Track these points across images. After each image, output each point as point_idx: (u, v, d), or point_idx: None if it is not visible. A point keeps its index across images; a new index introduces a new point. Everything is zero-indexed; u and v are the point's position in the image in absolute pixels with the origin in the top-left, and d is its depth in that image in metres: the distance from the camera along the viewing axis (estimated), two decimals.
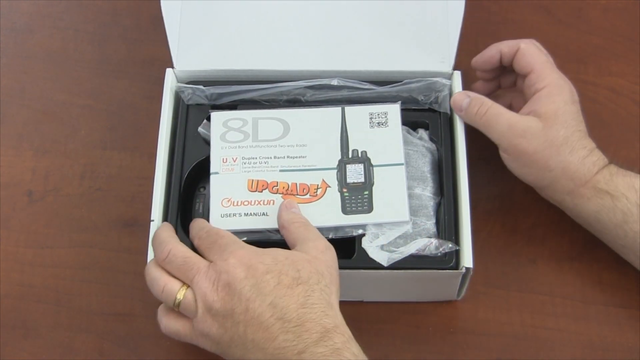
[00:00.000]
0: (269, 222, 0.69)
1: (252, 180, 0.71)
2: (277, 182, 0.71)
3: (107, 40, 0.91)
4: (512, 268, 0.77)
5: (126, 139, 0.85)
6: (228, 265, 0.61)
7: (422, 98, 0.76)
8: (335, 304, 0.62)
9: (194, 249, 0.66)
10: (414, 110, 0.76)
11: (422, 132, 0.75)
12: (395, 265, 0.68)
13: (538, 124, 0.70)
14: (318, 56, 0.77)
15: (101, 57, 0.90)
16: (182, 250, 0.64)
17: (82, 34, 0.91)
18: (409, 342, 0.74)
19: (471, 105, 0.72)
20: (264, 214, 0.70)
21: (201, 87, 0.75)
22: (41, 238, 0.80)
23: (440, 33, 0.78)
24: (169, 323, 0.64)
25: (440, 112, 0.76)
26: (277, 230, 0.68)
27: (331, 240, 0.67)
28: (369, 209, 0.70)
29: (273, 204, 0.70)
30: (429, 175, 0.72)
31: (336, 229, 0.70)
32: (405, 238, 0.69)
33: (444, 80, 0.76)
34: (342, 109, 0.74)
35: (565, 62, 0.87)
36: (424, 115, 0.76)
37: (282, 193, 0.70)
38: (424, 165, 0.73)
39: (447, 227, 0.71)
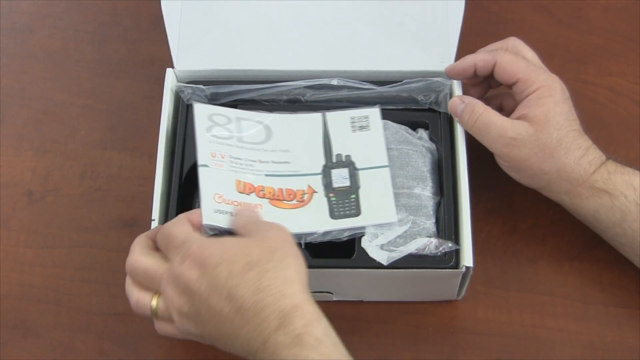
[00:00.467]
0: None
1: (240, 181, 0.70)
2: (264, 187, 0.71)
3: (107, 40, 0.91)
4: (512, 268, 0.77)
5: (126, 139, 0.85)
6: (182, 268, 0.60)
7: (422, 98, 0.76)
8: (294, 277, 0.60)
9: None
10: (414, 110, 0.76)
11: (422, 132, 0.75)
12: (395, 265, 0.68)
13: (529, 129, 0.70)
14: (318, 56, 0.77)
15: (101, 57, 0.90)
16: (143, 261, 0.63)
17: (82, 34, 0.91)
18: (408, 342, 0.74)
19: (464, 113, 0.72)
20: None
21: (201, 86, 0.76)
22: (41, 238, 0.80)
23: (440, 33, 0.78)
24: (159, 327, 0.64)
25: (440, 112, 0.76)
26: None
27: (323, 242, 0.67)
28: (357, 212, 0.70)
29: (261, 208, 0.69)
30: (428, 175, 0.72)
31: (324, 233, 0.69)
32: (405, 237, 0.69)
33: (444, 80, 0.76)
34: (322, 114, 0.74)
35: (565, 62, 0.88)
36: (424, 115, 0.76)
37: (269, 198, 0.70)
38: (424, 165, 0.73)
39: (447, 227, 0.71)
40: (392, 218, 0.70)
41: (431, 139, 0.75)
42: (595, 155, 0.71)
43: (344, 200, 0.71)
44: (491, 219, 0.79)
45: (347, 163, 0.72)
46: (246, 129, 0.73)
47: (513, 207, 0.79)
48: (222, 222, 0.68)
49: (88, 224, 0.80)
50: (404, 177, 0.72)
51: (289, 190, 0.71)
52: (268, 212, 0.69)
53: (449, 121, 0.76)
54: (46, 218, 0.81)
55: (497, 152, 0.72)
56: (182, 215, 0.66)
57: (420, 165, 0.73)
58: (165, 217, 0.71)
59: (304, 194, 0.71)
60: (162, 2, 0.77)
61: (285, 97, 0.77)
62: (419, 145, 0.74)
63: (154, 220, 0.70)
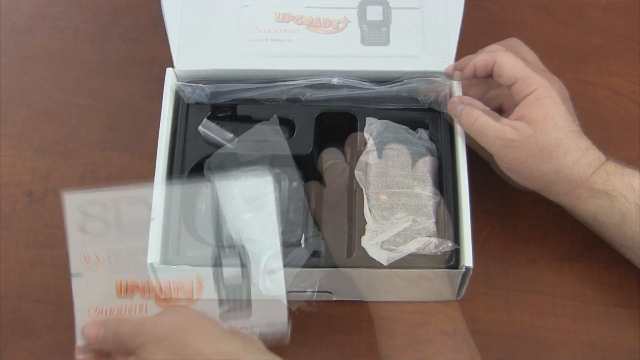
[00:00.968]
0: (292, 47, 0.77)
1: (121, 281, 0.66)
2: (302, 16, 0.76)
3: (107, 40, 0.91)
4: (512, 268, 0.77)
5: (126, 139, 0.85)
6: None
7: (422, 98, 0.76)
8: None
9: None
10: (414, 110, 0.76)
11: (422, 132, 0.75)
12: (395, 265, 0.68)
13: (527, 130, 0.69)
14: (318, 56, 0.77)
15: (101, 57, 0.90)
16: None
17: (82, 34, 0.91)
18: (409, 342, 0.74)
19: (462, 114, 0.72)
20: (289, 40, 0.77)
21: (201, 85, 0.76)
22: (41, 238, 0.80)
23: (440, 33, 0.78)
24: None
25: (440, 112, 0.76)
26: None
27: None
28: (386, 42, 0.76)
29: (298, 33, 0.76)
30: (428, 175, 0.72)
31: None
32: (405, 237, 0.69)
33: (444, 80, 0.76)
34: None
35: (565, 62, 0.88)
36: (424, 115, 0.76)
37: (307, 25, 0.75)
38: (424, 165, 0.73)
39: (447, 227, 0.71)
40: (417, 52, 0.76)
41: (431, 139, 0.75)
42: (594, 156, 0.71)
43: (375, 32, 0.76)
44: (491, 219, 0.79)
45: (382, 2, 0.78)
46: (125, 212, 0.68)
47: (513, 207, 0.79)
48: (258, 49, 0.75)
49: None
50: (403, 176, 0.72)
51: (326, 19, 0.76)
52: (305, 37, 0.76)
53: (449, 121, 0.76)
54: (46, 218, 0.81)
55: (495, 153, 0.71)
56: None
57: (420, 165, 0.73)
58: (167, 217, 0.71)
59: (340, 22, 0.75)
60: (162, 2, 0.77)
61: (285, 97, 0.77)
62: (419, 145, 0.74)
63: (153, 219, 0.70)
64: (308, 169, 0.73)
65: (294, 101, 0.77)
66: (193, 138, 0.75)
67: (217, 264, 0.67)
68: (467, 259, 0.68)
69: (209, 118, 0.75)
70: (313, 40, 0.78)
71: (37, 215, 0.81)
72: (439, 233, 0.71)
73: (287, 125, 0.75)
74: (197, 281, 0.66)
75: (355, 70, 0.76)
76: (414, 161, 0.73)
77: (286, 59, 0.77)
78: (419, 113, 0.76)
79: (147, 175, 0.73)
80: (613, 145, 0.82)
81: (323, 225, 0.70)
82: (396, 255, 0.68)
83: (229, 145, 0.74)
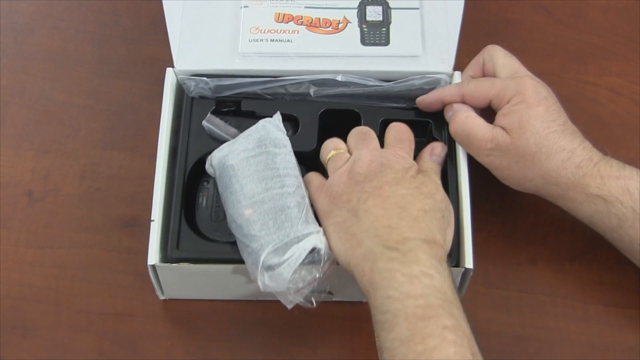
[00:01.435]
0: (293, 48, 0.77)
1: (279, 13, 0.78)
2: (302, 16, 0.77)
3: (107, 40, 0.91)
4: (512, 268, 0.77)
5: (126, 139, 0.85)
6: (390, 154, 0.68)
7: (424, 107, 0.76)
8: (448, 235, 0.66)
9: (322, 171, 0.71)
10: (416, 108, 0.76)
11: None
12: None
13: (506, 138, 0.69)
14: (318, 56, 0.77)
15: (101, 57, 0.90)
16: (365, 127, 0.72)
17: (82, 34, 0.91)
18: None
19: (450, 121, 0.73)
20: (289, 40, 0.77)
21: (205, 78, 0.76)
22: (41, 238, 0.80)
23: (440, 33, 0.78)
24: (310, 175, 0.71)
25: (441, 111, 0.76)
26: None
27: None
28: (386, 43, 0.77)
29: (298, 33, 0.77)
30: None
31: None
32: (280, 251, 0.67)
33: (447, 78, 0.76)
34: None
35: (565, 62, 0.88)
36: (427, 113, 0.76)
37: (307, 25, 0.76)
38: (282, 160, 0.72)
39: None
40: (417, 52, 0.76)
41: (434, 138, 0.75)
42: (583, 157, 0.69)
43: (375, 32, 0.77)
44: (491, 219, 0.79)
45: (382, 2, 0.79)
46: None
47: (513, 207, 0.79)
48: (257, 49, 0.77)
49: (88, 224, 0.80)
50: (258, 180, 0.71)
51: (325, 19, 0.76)
52: (305, 37, 0.77)
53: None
54: (46, 218, 0.81)
55: (480, 161, 0.72)
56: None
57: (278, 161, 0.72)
58: (168, 212, 0.71)
59: (339, 23, 0.76)
60: (163, 1, 0.77)
61: (289, 91, 0.77)
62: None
63: (153, 220, 0.70)
64: (312, 165, 0.73)
65: (298, 98, 0.77)
66: (197, 132, 0.75)
67: (362, 7, 0.79)
68: (467, 259, 0.68)
69: (213, 113, 0.76)
70: (313, 40, 0.78)
71: (37, 215, 0.81)
72: None
73: (291, 121, 0.75)
74: (343, 19, 0.78)
75: (355, 71, 0.76)
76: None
77: (286, 59, 0.77)
78: (422, 111, 0.76)
79: (147, 176, 0.73)
80: (613, 145, 0.82)
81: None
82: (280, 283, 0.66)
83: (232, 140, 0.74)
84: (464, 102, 0.73)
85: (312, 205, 0.69)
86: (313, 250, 0.66)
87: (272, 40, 0.78)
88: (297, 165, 0.71)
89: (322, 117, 0.76)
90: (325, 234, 0.67)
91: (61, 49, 0.90)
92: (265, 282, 0.66)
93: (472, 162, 0.72)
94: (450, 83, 0.76)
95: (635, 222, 0.68)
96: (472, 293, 0.74)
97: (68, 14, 0.93)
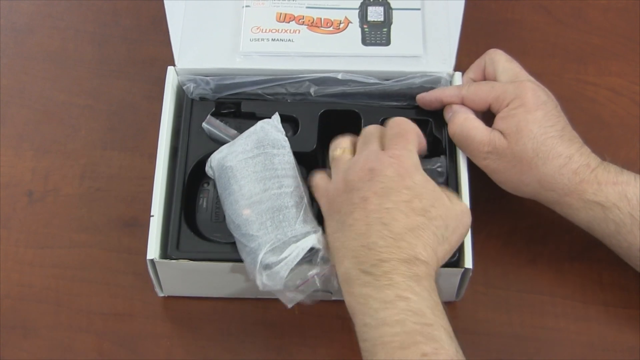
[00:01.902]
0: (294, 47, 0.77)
1: (281, 13, 0.78)
2: (303, 16, 0.77)
3: (107, 40, 0.91)
4: (512, 268, 0.77)
5: (126, 139, 0.85)
6: (384, 157, 0.64)
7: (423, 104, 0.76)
8: (441, 257, 0.63)
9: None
10: (418, 107, 0.76)
11: (442, 159, 0.73)
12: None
13: (503, 142, 0.69)
14: (319, 56, 0.78)
15: (101, 57, 0.90)
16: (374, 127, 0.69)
17: (82, 34, 0.91)
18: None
19: (449, 122, 0.72)
20: (290, 40, 0.77)
21: (206, 78, 0.76)
22: (41, 238, 0.80)
23: (441, 33, 0.78)
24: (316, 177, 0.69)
25: (442, 109, 0.76)
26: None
27: None
28: (387, 43, 0.77)
29: (299, 33, 0.77)
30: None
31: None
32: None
33: (447, 77, 0.76)
34: None
35: (565, 62, 0.88)
36: (427, 112, 0.76)
37: (308, 25, 0.77)
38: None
39: None
40: (418, 52, 0.76)
41: (435, 137, 0.75)
42: (580, 163, 0.69)
43: (376, 32, 0.77)
44: (491, 219, 0.79)
45: (383, 2, 0.79)
46: None
47: (513, 207, 0.79)
48: (258, 49, 0.77)
49: (88, 224, 0.80)
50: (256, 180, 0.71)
51: (327, 19, 0.77)
52: (306, 37, 0.77)
53: None
54: (46, 218, 0.81)
55: (477, 164, 0.71)
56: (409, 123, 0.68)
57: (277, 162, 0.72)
58: (168, 213, 0.71)
59: (340, 23, 0.76)
60: (164, 1, 0.77)
61: (290, 91, 0.77)
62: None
63: (153, 216, 0.70)
64: (311, 166, 0.73)
65: (298, 97, 0.77)
66: (197, 134, 0.75)
67: (363, 7, 0.79)
68: (467, 259, 0.68)
69: (213, 115, 0.76)
70: (314, 40, 0.78)
71: (37, 215, 0.81)
72: None
73: (291, 122, 0.75)
74: (344, 19, 0.78)
75: (356, 71, 0.76)
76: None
77: (287, 59, 0.77)
78: (423, 111, 0.76)
79: (147, 176, 0.73)
80: (613, 145, 0.82)
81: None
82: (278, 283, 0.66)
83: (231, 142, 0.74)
84: (463, 104, 0.73)
85: (312, 205, 0.69)
86: (312, 250, 0.66)
87: (273, 40, 0.78)
88: (296, 165, 0.71)
89: (322, 118, 0.76)
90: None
91: (61, 49, 0.90)
92: (263, 281, 0.66)
93: (472, 163, 0.72)
94: (450, 82, 0.76)
95: (633, 227, 0.68)
96: (472, 293, 0.74)
97: (68, 14, 0.93)
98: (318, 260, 0.67)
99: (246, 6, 0.80)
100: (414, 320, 0.58)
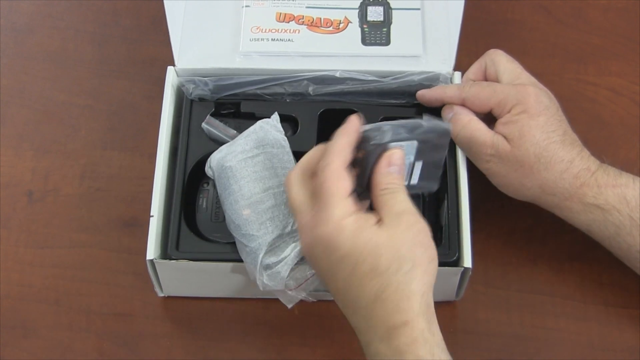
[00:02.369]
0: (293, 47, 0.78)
1: (280, 12, 0.78)
2: (303, 16, 0.77)
3: (107, 40, 0.91)
4: (512, 268, 0.77)
5: (126, 139, 0.85)
6: (314, 234, 0.58)
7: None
8: (416, 291, 0.57)
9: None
10: (417, 105, 0.76)
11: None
12: None
13: (506, 146, 0.69)
14: (319, 56, 0.78)
15: (101, 57, 0.90)
16: (295, 191, 0.61)
17: (82, 34, 0.91)
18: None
19: (453, 123, 0.71)
20: (290, 40, 0.77)
21: (205, 79, 0.76)
22: (41, 238, 0.80)
23: (441, 33, 0.78)
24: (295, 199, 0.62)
25: (442, 108, 0.76)
26: None
27: None
28: (387, 43, 0.77)
29: (298, 33, 0.78)
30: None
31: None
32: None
33: (447, 74, 0.76)
34: None
35: (565, 62, 0.88)
36: (425, 110, 0.76)
37: (308, 24, 0.77)
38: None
39: (449, 226, 0.71)
40: (418, 52, 0.76)
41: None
42: (581, 167, 0.69)
43: (376, 32, 0.77)
44: (491, 219, 0.79)
45: (383, 2, 0.79)
46: None
47: (513, 207, 0.79)
48: (258, 48, 0.77)
49: (88, 224, 0.80)
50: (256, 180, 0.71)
51: (326, 19, 0.77)
52: (306, 37, 0.77)
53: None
54: (46, 218, 0.81)
55: (479, 167, 0.71)
56: (341, 165, 0.60)
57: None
58: (168, 213, 0.71)
59: (340, 23, 0.77)
60: (164, 1, 0.77)
61: (289, 91, 0.77)
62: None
63: (152, 216, 0.70)
64: None
65: (297, 97, 0.77)
66: (197, 134, 0.75)
67: (363, 7, 0.79)
68: (467, 259, 0.68)
69: (212, 115, 0.76)
70: (314, 40, 0.78)
71: (37, 215, 0.81)
72: (441, 234, 0.71)
73: (290, 122, 0.76)
74: (344, 19, 0.78)
75: (355, 70, 0.76)
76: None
77: (287, 59, 0.77)
78: (422, 108, 0.76)
79: (147, 176, 0.73)
80: (613, 145, 0.82)
81: None
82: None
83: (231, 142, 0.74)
84: (463, 105, 0.72)
85: None
86: None
87: (273, 40, 0.78)
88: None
89: (321, 117, 0.76)
90: None
91: (61, 49, 0.90)
92: (264, 282, 0.66)
93: (472, 162, 0.72)
94: (450, 81, 0.76)
95: (632, 229, 0.68)
96: (472, 293, 0.74)
97: (68, 14, 0.93)
98: None
99: (246, 6, 0.80)
100: None
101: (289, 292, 0.67)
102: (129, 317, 0.76)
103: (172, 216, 0.71)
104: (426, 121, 0.62)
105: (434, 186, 0.67)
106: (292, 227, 0.67)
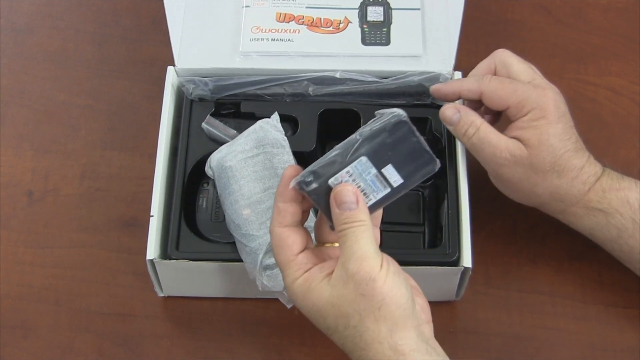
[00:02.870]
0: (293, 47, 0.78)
1: (280, 13, 0.78)
2: (303, 16, 0.77)
3: (107, 40, 0.91)
4: (512, 268, 0.77)
5: (126, 139, 0.85)
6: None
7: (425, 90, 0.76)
8: (372, 340, 0.56)
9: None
10: (417, 105, 0.76)
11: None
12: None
13: (523, 151, 0.67)
14: (319, 56, 0.78)
15: (101, 57, 0.90)
16: (278, 231, 0.58)
17: (82, 34, 0.91)
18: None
19: (460, 124, 0.69)
20: (290, 40, 0.78)
21: (204, 79, 0.76)
22: (41, 238, 0.80)
23: (441, 33, 0.78)
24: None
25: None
26: None
27: None
28: (387, 43, 0.78)
29: (298, 33, 0.78)
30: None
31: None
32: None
33: (447, 74, 0.76)
34: None
35: (565, 62, 0.88)
36: (426, 111, 0.76)
37: (308, 24, 0.77)
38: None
39: (449, 226, 0.71)
40: (418, 52, 0.76)
41: (434, 136, 0.75)
42: (589, 172, 0.69)
43: (376, 32, 0.78)
44: (491, 219, 0.79)
45: (383, 2, 0.79)
46: None
47: (513, 207, 0.79)
48: (258, 48, 0.77)
49: (88, 224, 0.80)
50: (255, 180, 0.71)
51: (326, 19, 0.77)
52: (306, 37, 0.77)
53: None
54: (46, 218, 0.81)
55: (490, 170, 0.71)
56: (280, 229, 0.58)
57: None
58: (168, 213, 0.72)
59: (340, 23, 0.77)
60: (164, 1, 0.77)
61: (289, 91, 0.77)
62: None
63: (152, 216, 0.70)
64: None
65: (297, 97, 0.77)
66: (197, 134, 0.75)
67: (363, 7, 0.80)
68: (467, 259, 0.68)
69: (212, 115, 0.76)
70: (314, 40, 0.78)
71: (37, 215, 0.81)
72: (441, 234, 0.71)
73: (290, 122, 0.76)
74: (344, 19, 0.79)
75: (355, 70, 0.76)
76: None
77: (287, 59, 0.77)
78: (422, 109, 0.76)
79: (147, 176, 0.73)
80: (613, 145, 0.82)
81: None
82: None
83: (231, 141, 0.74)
84: (481, 99, 0.70)
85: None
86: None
87: (273, 40, 0.78)
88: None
89: (321, 117, 0.76)
90: None
91: (61, 49, 0.90)
92: (264, 282, 0.66)
93: (472, 162, 0.72)
94: (450, 78, 0.76)
95: (635, 232, 0.68)
96: (472, 293, 0.74)
97: (68, 14, 0.93)
98: None
99: (246, 6, 0.80)
100: None
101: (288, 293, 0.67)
102: (129, 317, 0.76)
103: (172, 216, 0.71)
104: (361, 131, 0.57)
105: (432, 167, 0.59)
106: None
